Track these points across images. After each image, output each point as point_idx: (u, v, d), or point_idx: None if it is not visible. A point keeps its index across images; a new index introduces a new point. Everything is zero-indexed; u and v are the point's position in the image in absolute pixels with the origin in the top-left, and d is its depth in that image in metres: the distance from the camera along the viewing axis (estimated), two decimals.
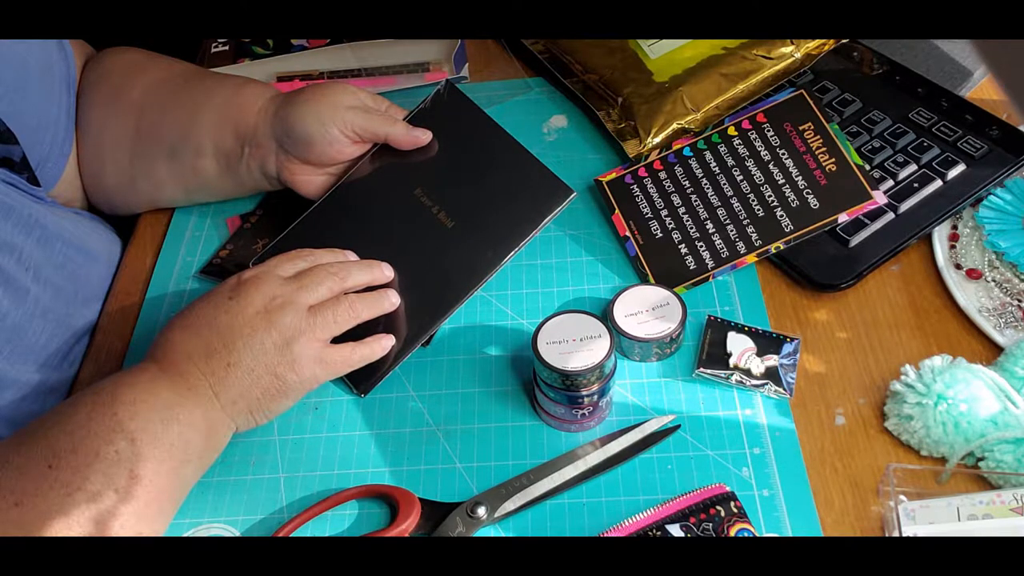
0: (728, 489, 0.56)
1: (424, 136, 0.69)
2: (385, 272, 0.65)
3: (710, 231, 0.70)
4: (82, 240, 0.71)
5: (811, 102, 0.74)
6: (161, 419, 0.53)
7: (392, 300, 0.64)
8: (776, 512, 0.56)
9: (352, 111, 0.68)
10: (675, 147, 0.76)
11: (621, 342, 0.64)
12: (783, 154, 0.73)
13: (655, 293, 0.66)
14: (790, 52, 0.79)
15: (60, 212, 0.70)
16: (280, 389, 0.57)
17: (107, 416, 0.52)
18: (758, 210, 0.70)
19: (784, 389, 0.62)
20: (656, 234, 0.72)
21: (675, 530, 0.54)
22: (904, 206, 0.70)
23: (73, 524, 0.49)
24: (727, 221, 0.71)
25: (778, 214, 0.70)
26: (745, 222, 0.70)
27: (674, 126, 0.77)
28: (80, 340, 0.70)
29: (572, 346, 0.58)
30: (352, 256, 0.66)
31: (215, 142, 0.71)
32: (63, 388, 0.68)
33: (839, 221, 0.68)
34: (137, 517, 0.51)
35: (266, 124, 0.69)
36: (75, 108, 0.74)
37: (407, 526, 0.57)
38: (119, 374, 0.56)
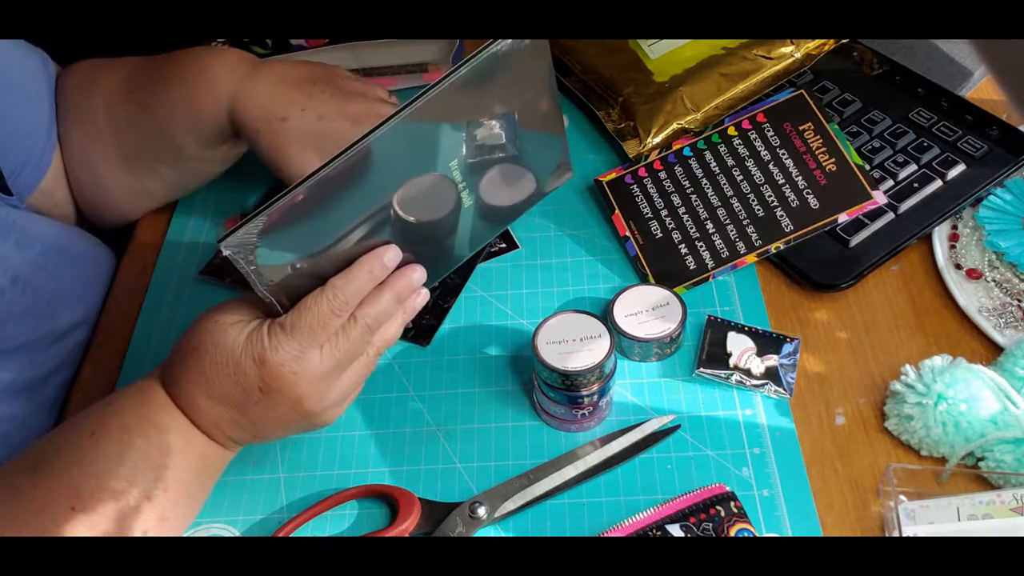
0: (728, 489, 0.56)
1: None
2: (416, 279, 0.56)
3: (710, 231, 0.70)
4: (63, 242, 0.71)
5: (811, 102, 0.74)
6: (195, 470, 0.55)
7: (414, 305, 0.57)
8: (776, 512, 0.56)
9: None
10: (675, 147, 0.76)
11: (621, 342, 0.64)
12: (783, 154, 0.73)
13: (655, 293, 0.66)
14: (790, 52, 0.79)
15: (39, 218, 0.70)
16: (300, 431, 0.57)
17: (150, 461, 0.52)
18: (758, 210, 0.70)
19: (784, 389, 0.62)
20: (656, 234, 0.72)
21: (675, 530, 0.54)
22: (904, 206, 0.70)
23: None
24: (727, 221, 0.71)
25: (778, 214, 0.70)
26: (745, 222, 0.70)
27: (674, 126, 0.77)
28: (61, 340, 0.69)
29: (572, 346, 0.58)
30: (390, 257, 0.55)
31: (194, 141, 0.71)
32: (37, 387, 0.67)
33: (839, 221, 0.68)
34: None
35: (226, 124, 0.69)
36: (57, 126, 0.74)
37: (407, 526, 0.57)
38: (151, 416, 0.54)
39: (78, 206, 0.77)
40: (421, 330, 0.68)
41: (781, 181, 0.71)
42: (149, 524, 0.52)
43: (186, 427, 0.54)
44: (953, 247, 0.69)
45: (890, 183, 0.71)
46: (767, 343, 0.64)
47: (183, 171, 0.74)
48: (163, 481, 0.52)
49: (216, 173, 0.77)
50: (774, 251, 0.68)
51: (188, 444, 0.54)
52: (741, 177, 0.72)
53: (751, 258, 0.69)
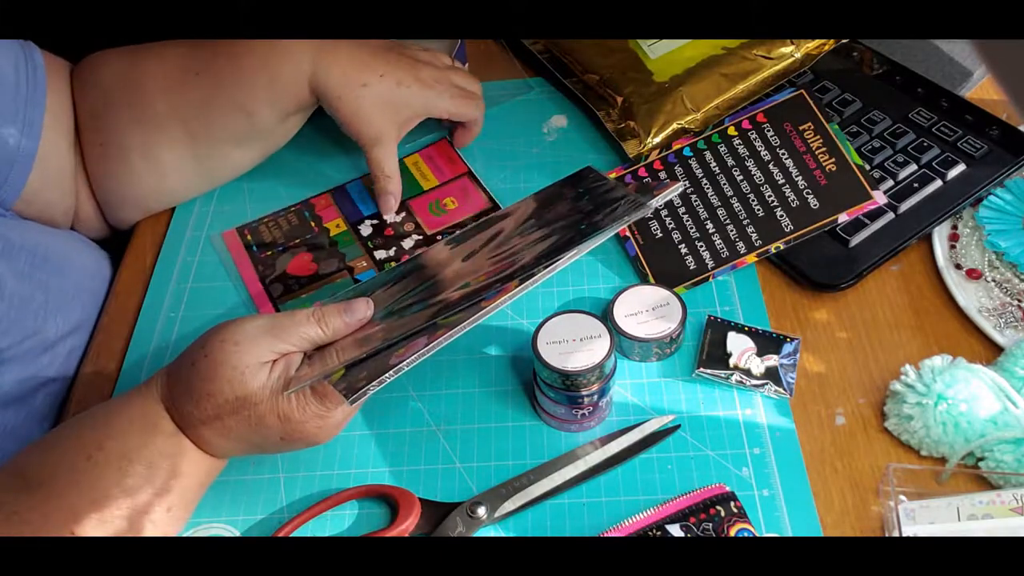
0: (728, 489, 0.56)
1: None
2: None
3: (710, 231, 0.70)
4: (52, 249, 0.70)
5: (811, 102, 0.74)
6: (199, 486, 0.56)
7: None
8: (776, 512, 0.56)
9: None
10: (675, 147, 0.76)
11: (621, 342, 0.64)
12: (783, 154, 0.73)
13: (655, 293, 0.66)
14: (790, 52, 0.79)
15: (26, 224, 0.70)
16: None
17: (154, 486, 0.53)
18: (758, 210, 0.70)
19: (784, 389, 0.62)
20: (656, 234, 0.72)
21: (675, 530, 0.54)
22: (904, 206, 0.70)
23: None
24: (727, 221, 0.71)
25: (778, 214, 0.70)
26: (745, 222, 0.70)
27: (674, 126, 0.77)
28: (51, 349, 0.67)
29: (572, 346, 0.58)
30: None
31: (271, 112, 0.73)
32: (28, 398, 0.66)
33: (839, 221, 0.68)
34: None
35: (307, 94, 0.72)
36: (78, 128, 0.74)
37: (407, 526, 0.57)
38: (156, 444, 0.54)
39: (99, 205, 0.77)
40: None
41: (781, 181, 0.71)
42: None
43: (191, 451, 0.55)
44: (953, 247, 0.69)
45: (890, 183, 0.71)
46: (767, 343, 0.64)
47: (259, 144, 0.77)
48: (165, 502, 0.53)
49: (264, 153, 0.79)
50: (774, 251, 0.68)
51: (193, 466, 0.55)
52: (741, 177, 0.72)
53: (751, 258, 0.68)
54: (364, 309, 0.57)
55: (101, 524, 0.51)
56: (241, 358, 0.52)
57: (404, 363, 0.51)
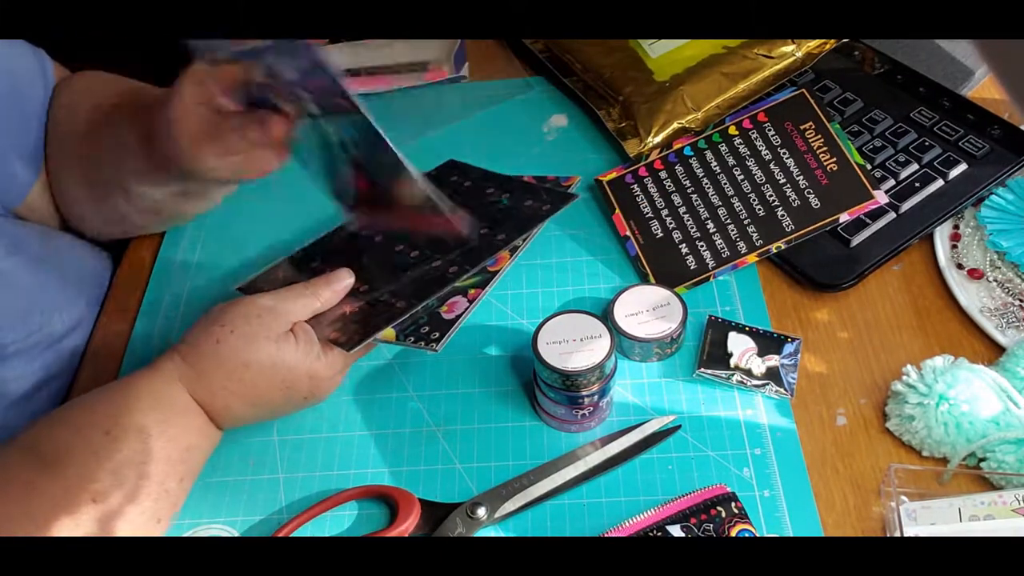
0: (729, 490, 0.56)
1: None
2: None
3: (711, 231, 0.70)
4: (55, 246, 0.70)
5: (812, 101, 0.74)
6: (206, 458, 0.59)
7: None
8: (777, 513, 0.56)
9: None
10: (676, 146, 0.76)
11: (621, 342, 0.64)
12: (784, 153, 0.72)
13: (655, 293, 0.66)
14: (791, 51, 0.79)
15: (25, 225, 0.69)
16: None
17: (171, 459, 0.55)
18: (759, 210, 0.70)
19: (785, 389, 0.62)
20: (657, 234, 0.72)
21: (676, 531, 0.54)
22: (905, 206, 0.70)
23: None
24: (728, 221, 0.70)
25: (779, 214, 0.70)
26: (746, 222, 0.70)
27: (675, 125, 0.77)
28: (55, 345, 0.67)
29: (572, 346, 0.58)
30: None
31: (136, 169, 0.66)
32: (31, 396, 0.66)
33: (840, 221, 0.68)
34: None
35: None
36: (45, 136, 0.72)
37: (407, 527, 0.57)
38: (174, 419, 0.55)
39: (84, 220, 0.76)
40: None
41: (782, 180, 0.71)
42: (164, 511, 0.55)
43: (205, 425, 0.57)
44: (955, 247, 0.69)
45: (891, 182, 0.71)
46: (768, 343, 0.64)
47: (134, 206, 0.69)
48: (179, 473, 0.55)
49: (186, 211, 0.72)
50: (775, 251, 0.68)
51: (205, 440, 0.58)
52: (742, 176, 0.72)
53: (752, 258, 0.68)
54: (347, 277, 0.62)
55: (118, 488, 0.52)
56: (271, 329, 0.57)
57: (455, 316, 0.60)
